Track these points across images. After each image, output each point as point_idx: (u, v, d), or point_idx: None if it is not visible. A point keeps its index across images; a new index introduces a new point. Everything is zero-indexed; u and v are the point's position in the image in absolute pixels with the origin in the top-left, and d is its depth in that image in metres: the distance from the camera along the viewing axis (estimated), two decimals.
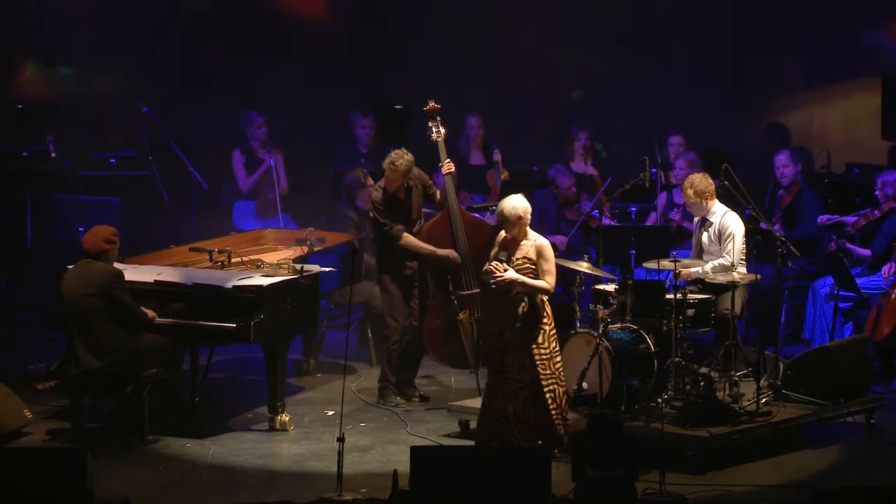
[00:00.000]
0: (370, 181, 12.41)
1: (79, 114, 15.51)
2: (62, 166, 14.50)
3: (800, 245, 12.02)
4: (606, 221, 12.92)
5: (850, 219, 12.81)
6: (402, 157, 11.05)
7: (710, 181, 11.10)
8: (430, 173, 12.75)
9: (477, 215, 11.87)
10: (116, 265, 10.72)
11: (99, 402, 10.76)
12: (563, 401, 9.85)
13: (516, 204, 9.90)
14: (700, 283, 10.90)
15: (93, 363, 10.12)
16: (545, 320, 9.87)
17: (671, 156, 14.14)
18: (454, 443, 10.35)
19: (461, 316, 11.27)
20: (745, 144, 15.13)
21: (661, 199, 13.63)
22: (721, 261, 10.96)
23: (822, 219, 12.92)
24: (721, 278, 10.75)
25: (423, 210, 11.51)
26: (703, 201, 11.10)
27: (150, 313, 10.38)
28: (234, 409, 11.19)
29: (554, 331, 9.93)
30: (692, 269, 10.87)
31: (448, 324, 11.30)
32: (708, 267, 10.94)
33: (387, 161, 11.10)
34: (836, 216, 12.91)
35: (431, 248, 11.16)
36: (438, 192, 11.36)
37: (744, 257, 10.98)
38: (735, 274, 10.74)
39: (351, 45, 16.43)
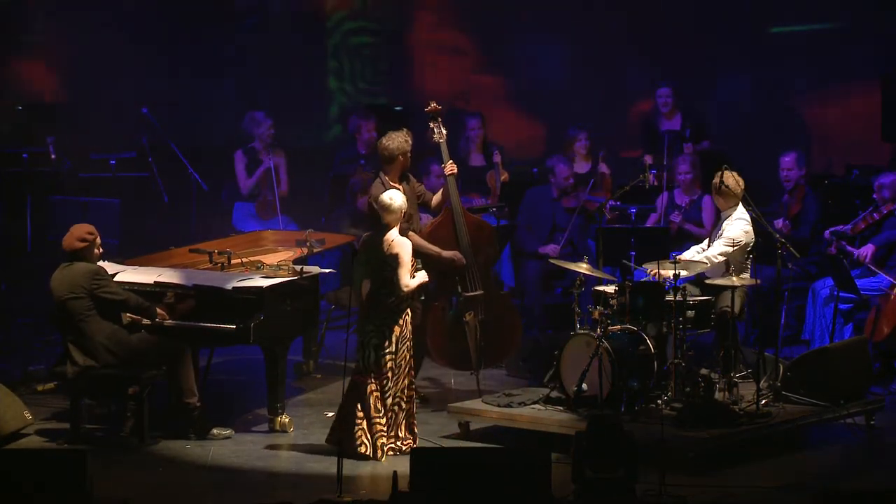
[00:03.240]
0: None
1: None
2: (62, 168, 14.49)
3: (796, 245, 12.06)
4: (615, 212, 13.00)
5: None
6: (391, 138, 10.91)
7: (738, 185, 11.01)
8: (427, 175, 12.76)
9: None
10: (117, 267, 10.73)
11: (98, 404, 10.77)
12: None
13: (382, 196, 10.09)
14: (699, 286, 10.93)
15: (87, 363, 10.12)
16: None
17: (660, 108, 14.22)
18: (454, 444, 10.35)
19: (467, 317, 11.28)
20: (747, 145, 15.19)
21: (662, 199, 13.64)
22: (708, 252, 10.94)
23: (827, 233, 12.82)
24: (720, 280, 10.76)
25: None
26: (731, 196, 11.02)
27: (161, 314, 10.40)
28: (234, 410, 11.19)
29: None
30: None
31: (451, 325, 11.31)
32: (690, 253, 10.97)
33: (379, 147, 11.02)
34: (840, 226, 12.82)
35: (437, 249, 11.15)
36: (433, 197, 11.32)
37: (748, 264, 10.97)
38: (734, 277, 10.73)
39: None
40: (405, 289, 9.94)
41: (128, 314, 10.39)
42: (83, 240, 10.26)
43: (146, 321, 10.41)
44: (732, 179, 11.01)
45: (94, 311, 10.15)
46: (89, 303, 10.13)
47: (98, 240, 10.35)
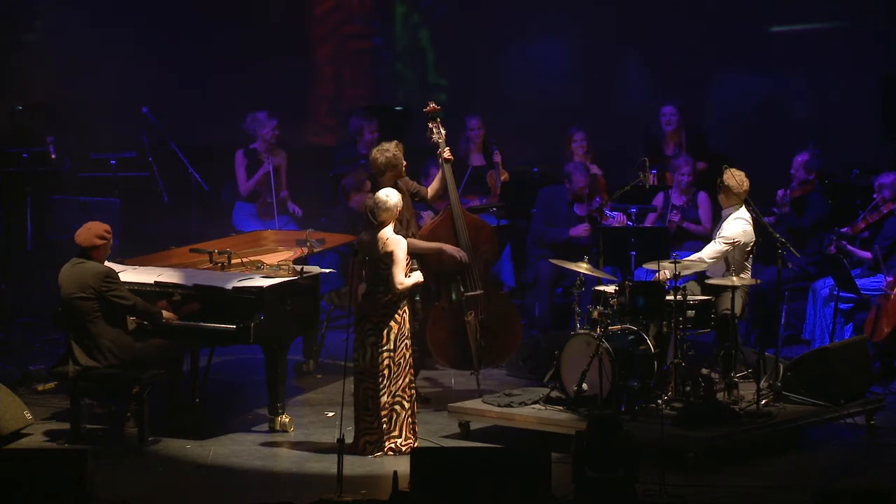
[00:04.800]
0: (368, 186, 12.40)
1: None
2: (62, 168, 14.48)
3: (795, 233, 12.13)
4: (617, 216, 12.98)
5: (861, 252, 12.80)
6: (381, 152, 10.87)
7: (741, 185, 10.99)
8: (426, 178, 12.74)
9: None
10: (117, 267, 10.72)
11: (97, 404, 10.77)
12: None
13: (378, 193, 10.12)
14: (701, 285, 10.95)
15: (89, 364, 10.12)
16: None
17: (663, 127, 14.21)
18: (454, 444, 10.35)
19: (467, 317, 11.28)
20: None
21: (659, 199, 13.65)
22: (703, 252, 10.96)
23: (831, 249, 12.81)
24: (720, 281, 10.76)
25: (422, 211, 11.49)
26: (732, 195, 11.01)
27: (168, 314, 10.39)
28: (234, 410, 11.19)
29: None
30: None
31: (452, 325, 11.31)
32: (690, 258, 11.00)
33: (370, 159, 11.02)
34: (844, 243, 12.80)
35: (438, 245, 11.15)
36: (429, 189, 11.32)
37: (747, 263, 10.97)
38: (734, 277, 10.73)
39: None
40: (399, 286, 9.95)
41: (134, 318, 10.37)
42: (102, 237, 10.25)
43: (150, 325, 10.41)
44: (734, 179, 10.99)
45: (101, 313, 10.14)
46: (96, 304, 10.12)
47: (111, 240, 10.34)
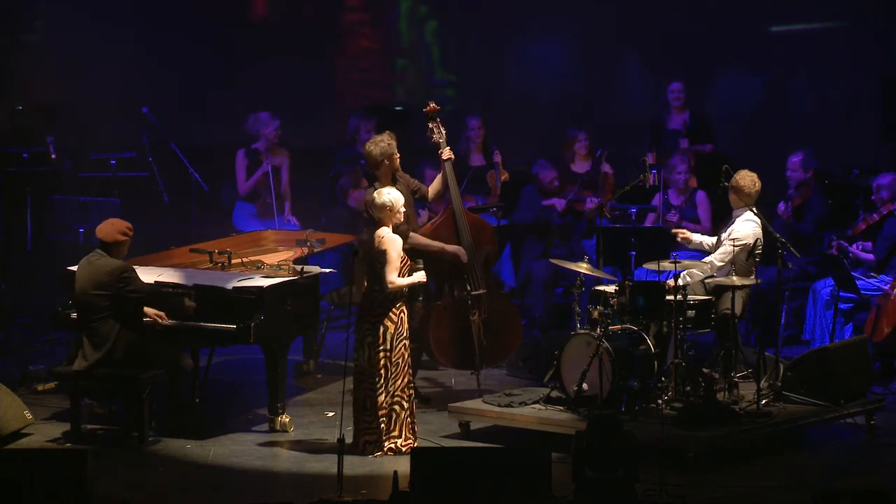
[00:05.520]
0: (364, 182, 12.40)
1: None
2: (62, 168, 14.48)
3: (798, 238, 12.13)
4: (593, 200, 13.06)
5: (864, 255, 12.79)
6: (374, 143, 10.86)
7: (753, 185, 10.99)
8: (422, 180, 12.76)
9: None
10: None
11: (97, 404, 10.77)
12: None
13: (379, 192, 10.08)
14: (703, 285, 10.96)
15: (96, 358, 10.10)
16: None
17: (671, 103, 14.24)
18: (454, 444, 10.35)
19: (473, 316, 11.28)
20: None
21: (657, 200, 13.66)
22: (713, 256, 10.96)
23: (832, 250, 12.81)
24: (721, 280, 10.76)
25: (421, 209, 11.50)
26: (745, 196, 11.01)
27: (160, 313, 10.39)
28: (234, 410, 11.19)
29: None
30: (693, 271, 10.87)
31: (455, 325, 11.31)
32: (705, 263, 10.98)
33: (364, 153, 11.03)
34: (843, 242, 12.79)
35: (440, 244, 11.16)
36: (430, 188, 11.33)
37: (753, 267, 10.97)
38: (734, 277, 10.73)
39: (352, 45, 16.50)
40: (390, 285, 9.94)
41: (148, 312, 10.35)
42: (124, 234, 10.25)
43: (164, 321, 10.38)
44: (749, 179, 10.99)
45: (112, 312, 10.12)
46: (109, 302, 10.11)
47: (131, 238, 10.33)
